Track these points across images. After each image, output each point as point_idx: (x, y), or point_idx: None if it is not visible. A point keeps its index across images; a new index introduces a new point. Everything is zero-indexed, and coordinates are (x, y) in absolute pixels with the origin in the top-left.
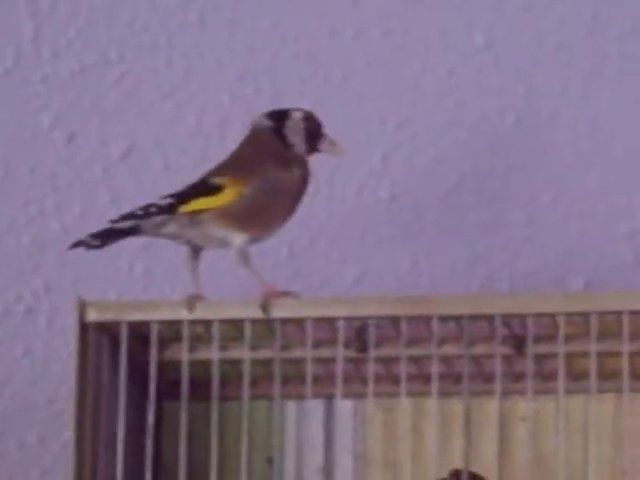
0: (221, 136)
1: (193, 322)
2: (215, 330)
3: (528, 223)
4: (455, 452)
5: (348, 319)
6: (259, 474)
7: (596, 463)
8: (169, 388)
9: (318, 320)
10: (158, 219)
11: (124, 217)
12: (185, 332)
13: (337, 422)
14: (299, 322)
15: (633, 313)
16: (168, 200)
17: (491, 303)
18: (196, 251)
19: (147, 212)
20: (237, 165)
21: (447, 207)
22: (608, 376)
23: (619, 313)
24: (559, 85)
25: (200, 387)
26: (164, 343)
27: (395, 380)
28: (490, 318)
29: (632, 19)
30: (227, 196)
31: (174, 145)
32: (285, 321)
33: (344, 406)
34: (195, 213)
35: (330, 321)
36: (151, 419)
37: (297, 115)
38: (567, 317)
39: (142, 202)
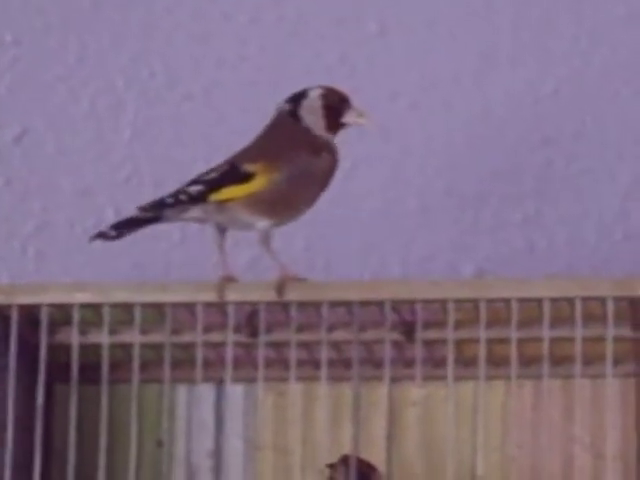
0: (115, 118)
1: (83, 306)
2: (105, 314)
3: (421, 209)
4: (345, 437)
5: (239, 304)
6: (149, 457)
7: (485, 449)
8: (60, 371)
9: (209, 305)
10: (184, 207)
11: (154, 205)
12: (75, 315)
13: (227, 406)
14: (190, 306)
15: (522, 300)
16: (198, 187)
17: (381, 289)
18: (222, 232)
19: (177, 200)
20: (268, 150)
21: (340, 193)
22: (497, 363)
23: (508, 300)
24: (452, 72)
25: (91, 370)
26: (55, 326)
27: (285, 365)
28: (380, 304)
29: (524, 5)
30: (258, 183)
31: (68, 128)
32: (175, 305)
33: (235, 390)
34: (224, 200)
35: (220, 306)
36: (40, 400)
37: (314, 93)
38: (457, 303)
39: (35, 185)
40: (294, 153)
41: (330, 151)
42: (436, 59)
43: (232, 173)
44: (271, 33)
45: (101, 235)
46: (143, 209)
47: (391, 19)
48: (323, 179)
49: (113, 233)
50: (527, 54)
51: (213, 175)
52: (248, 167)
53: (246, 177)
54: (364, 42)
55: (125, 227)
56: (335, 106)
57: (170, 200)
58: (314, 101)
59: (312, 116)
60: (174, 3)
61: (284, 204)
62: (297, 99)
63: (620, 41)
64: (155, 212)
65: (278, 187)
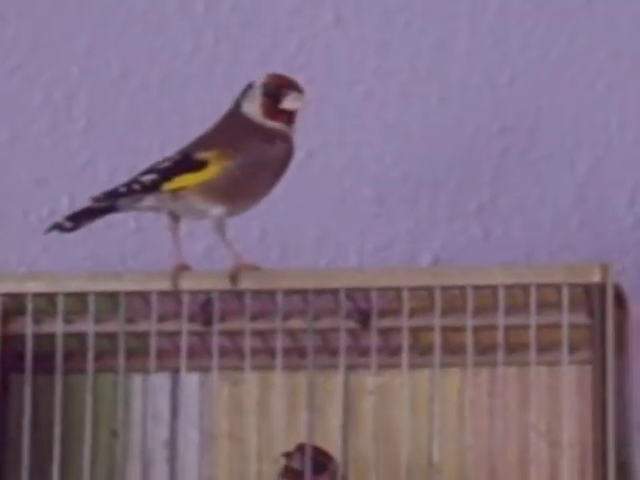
0: (69, 108)
1: (37, 295)
2: (59, 303)
3: (377, 198)
4: (301, 426)
5: (193, 292)
6: (104, 447)
7: (441, 437)
8: (14, 361)
9: (163, 293)
10: (138, 196)
11: (107, 195)
12: (29, 305)
13: (182, 395)
14: (144, 295)
15: (477, 288)
16: (150, 177)
17: (336, 277)
18: (176, 220)
19: (130, 189)
20: (221, 139)
21: (295, 181)
22: (453, 350)
23: (463, 287)
24: (408, 60)
25: (45, 360)
26: (9, 316)
27: (241, 354)
28: (335, 292)
29: None
30: (211, 171)
31: (22, 117)
32: (129, 294)
33: (190, 379)
34: (178, 189)
35: (175, 294)
36: None
37: (258, 82)
38: (412, 291)
39: None
40: (247, 141)
41: (284, 139)
42: (392, 48)
43: (185, 162)
44: (227, 23)
45: (57, 227)
46: (97, 199)
47: (347, 8)
48: (277, 167)
49: (69, 225)
50: (484, 43)
51: (166, 164)
52: (201, 155)
53: (199, 165)
54: (320, 31)
55: (80, 218)
56: (273, 93)
57: (123, 189)
58: (256, 90)
59: (251, 105)
60: None
61: (238, 191)
62: (245, 90)
63: (577, 29)
64: (109, 202)
65: (232, 174)
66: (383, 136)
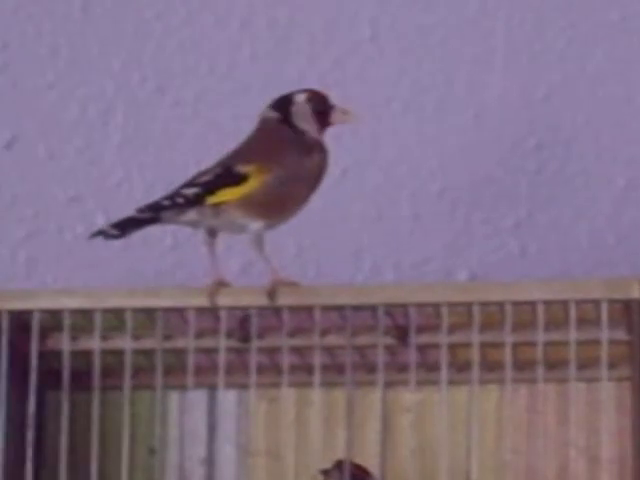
0: (104, 125)
1: (74, 311)
2: (97, 319)
3: (414, 214)
4: (339, 443)
5: (230, 309)
6: (141, 465)
7: (479, 454)
8: (51, 378)
9: (200, 310)
10: (181, 209)
11: (150, 207)
12: (66, 321)
13: (220, 412)
14: (181, 312)
15: (515, 303)
16: (194, 190)
17: (374, 293)
18: (213, 235)
19: (174, 203)
20: (260, 152)
21: (332, 197)
22: (491, 367)
23: (502, 304)
24: (444, 76)
25: (82, 377)
26: (46, 332)
27: (278, 370)
28: (373, 308)
29: (517, 10)
30: (252, 185)
31: (58, 134)
32: (166, 310)
33: (227, 396)
34: (220, 203)
35: (212, 311)
36: (32, 409)
37: (300, 98)
38: (450, 307)
39: (25, 191)
40: (285, 154)
41: (321, 151)
42: (429, 64)
43: (226, 175)
44: (262, 39)
45: (101, 232)
46: (140, 210)
47: (383, 23)
48: (314, 179)
49: (114, 232)
50: (520, 58)
51: (207, 177)
52: (242, 168)
53: (240, 179)
54: (357, 47)
55: (125, 226)
56: (323, 108)
57: (167, 202)
58: (302, 107)
59: (305, 122)
60: (165, 9)
61: (276, 205)
62: (284, 106)
63: (613, 45)
64: (152, 214)
65: (271, 188)
66: (419, 152)
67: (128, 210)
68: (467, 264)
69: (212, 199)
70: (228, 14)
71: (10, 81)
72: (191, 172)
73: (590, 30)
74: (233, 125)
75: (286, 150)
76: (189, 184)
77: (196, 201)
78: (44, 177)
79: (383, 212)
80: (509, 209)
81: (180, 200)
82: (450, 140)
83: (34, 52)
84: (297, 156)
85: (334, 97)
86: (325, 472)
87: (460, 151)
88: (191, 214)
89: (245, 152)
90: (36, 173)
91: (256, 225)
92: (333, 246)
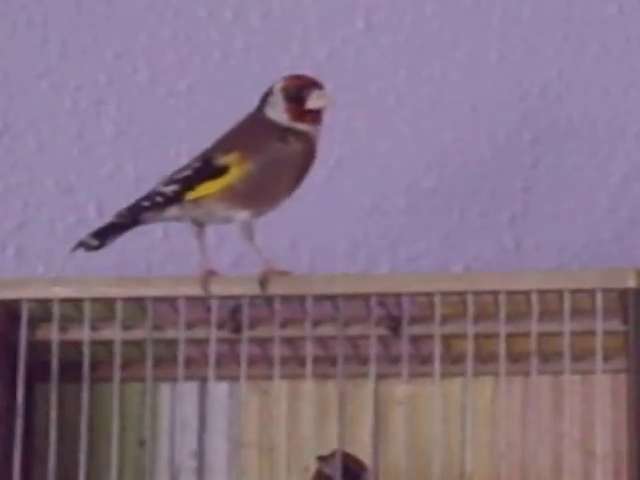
0: (97, 116)
1: (63, 301)
2: (86, 309)
3: (409, 208)
4: (331, 435)
5: (222, 298)
6: (131, 457)
7: (473, 446)
8: (40, 369)
9: (191, 300)
10: (161, 208)
11: (130, 209)
12: (55, 311)
13: (211, 404)
14: (172, 301)
15: (510, 293)
16: (173, 187)
17: (367, 282)
18: (201, 226)
19: (154, 203)
20: (240, 141)
21: (326, 190)
22: (485, 359)
23: (496, 293)
24: (440, 69)
25: (71, 368)
26: (35, 323)
27: (270, 362)
28: (366, 298)
29: (513, 3)
30: (233, 176)
31: (49, 125)
32: (157, 300)
33: (218, 388)
34: (199, 198)
35: (204, 300)
36: (20, 399)
37: (277, 87)
38: (444, 297)
39: (15, 181)
40: (263, 142)
41: (300, 138)
42: (424, 56)
43: (206, 168)
44: (256, 29)
45: (82, 244)
46: (120, 215)
47: (378, 15)
48: (295, 166)
49: (95, 242)
50: (516, 52)
51: (187, 172)
52: (221, 160)
53: (220, 171)
54: (351, 39)
55: (105, 234)
56: (296, 95)
57: (146, 204)
58: (277, 95)
59: (275, 111)
60: None
61: (259, 193)
62: (265, 96)
63: (609, 39)
64: (132, 216)
65: (252, 177)
66: (414, 145)
67: (120, 201)
68: (462, 258)
69: (191, 195)
70: (222, 4)
71: (1, 72)
72: (183, 163)
73: (586, 24)
74: (226, 116)
75: (262, 138)
76: (168, 181)
77: (175, 199)
78: (36, 167)
79: (378, 205)
80: (504, 203)
81: (159, 199)
82: (445, 133)
83: (25, 42)
84: (274, 143)
85: (329, 87)
86: (322, 458)
87: (455, 144)
88: (172, 211)
89: (224, 143)
90: (27, 164)
91: (242, 215)
92: (327, 239)
